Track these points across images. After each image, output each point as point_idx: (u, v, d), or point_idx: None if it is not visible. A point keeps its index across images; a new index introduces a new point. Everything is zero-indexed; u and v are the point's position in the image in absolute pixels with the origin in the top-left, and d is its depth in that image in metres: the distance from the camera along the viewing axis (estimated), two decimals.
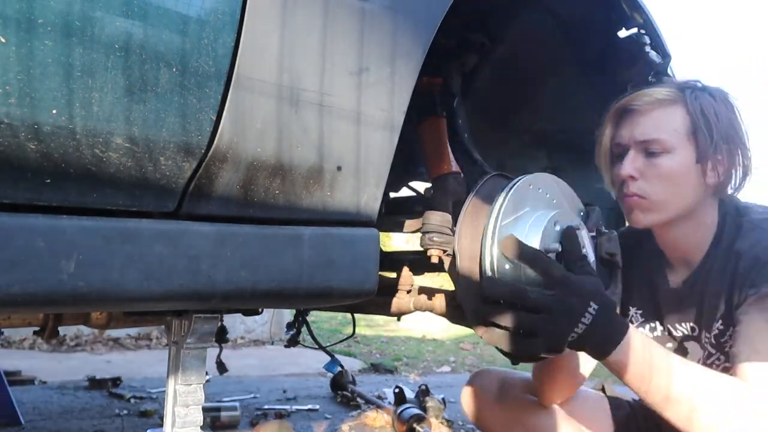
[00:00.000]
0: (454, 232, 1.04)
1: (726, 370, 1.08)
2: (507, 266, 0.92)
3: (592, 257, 0.98)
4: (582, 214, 1.06)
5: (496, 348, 0.97)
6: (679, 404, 0.92)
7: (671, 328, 1.24)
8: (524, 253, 0.89)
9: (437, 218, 1.06)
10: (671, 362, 0.94)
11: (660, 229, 1.19)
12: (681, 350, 1.25)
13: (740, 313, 1.05)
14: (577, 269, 0.90)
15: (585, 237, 0.96)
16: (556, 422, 1.28)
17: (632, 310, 1.32)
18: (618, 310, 0.99)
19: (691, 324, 1.20)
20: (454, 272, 1.00)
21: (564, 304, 0.86)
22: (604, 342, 0.89)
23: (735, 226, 1.13)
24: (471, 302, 0.97)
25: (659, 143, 1.09)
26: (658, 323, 1.27)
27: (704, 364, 1.15)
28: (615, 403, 1.41)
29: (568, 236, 0.93)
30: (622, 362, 0.90)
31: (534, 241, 0.91)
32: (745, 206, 1.18)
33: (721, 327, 1.12)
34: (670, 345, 1.26)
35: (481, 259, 0.92)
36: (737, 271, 1.07)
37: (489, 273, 0.91)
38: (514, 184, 0.95)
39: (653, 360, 0.92)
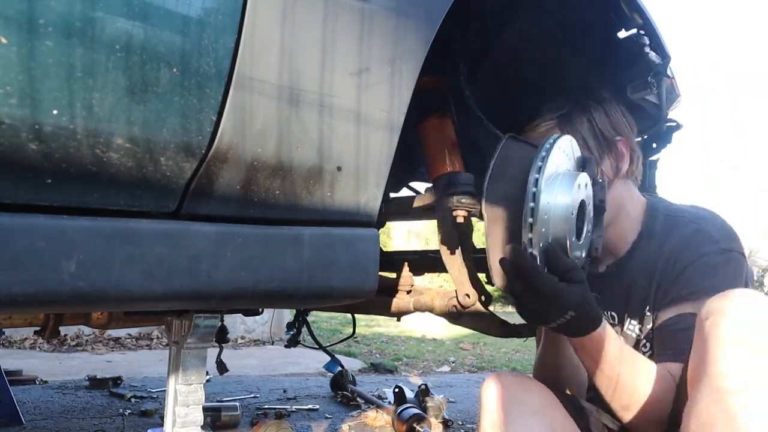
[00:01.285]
0: (477, 194, 1.05)
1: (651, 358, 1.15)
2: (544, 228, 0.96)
3: (591, 205, 1.06)
4: (580, 162, 1.10)
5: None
6: (622, 393, 1.01)
7: None
8: (523, 266, 0.93)
9: (464, 178, 1.06)
10: (624, 352, 1.03)
11: None
12: None
13: (662, 313, 1.11)
14: (568, 277, 0.95)
15: (589, 187, 1.04)
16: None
17: None
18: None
19: (613, 312, 1.25)
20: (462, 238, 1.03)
21: (555, 302, 0.94)
22: (577, 332, 1.00)
23: (669, 221, 1.21)
24: (501, 261, 0.99)
25: None
26: None
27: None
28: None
29: (554, 252, 0.96)
30: (585, 346, 1.01)
31: (564, 200, 0.96)
32: (680, 206, 1.25)
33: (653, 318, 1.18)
34: None
35: (524, 218, 0.95)
36: (672, 264, 1.14)
37: (528, 234, 0.94)
38: (550, 148, 0.99)
39: (610, 350, 1.01)
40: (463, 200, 1.05)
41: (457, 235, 1.14)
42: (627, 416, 1.02)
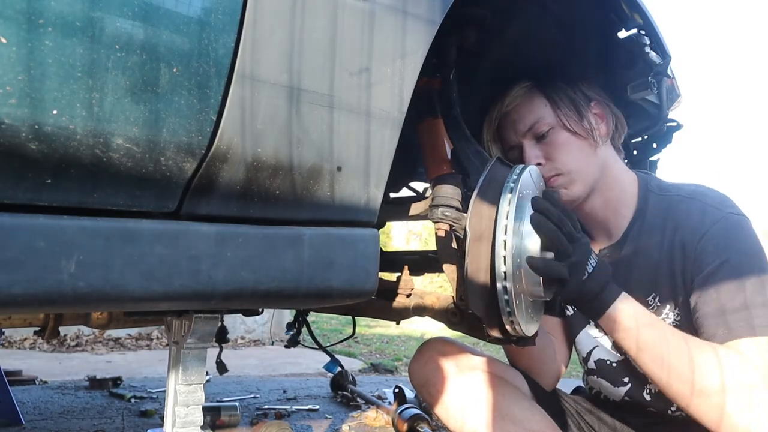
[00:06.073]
0: (463, 209, 1.05)
1: None
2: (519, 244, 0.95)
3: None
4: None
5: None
6: (672, 368, 0.99)
7: None
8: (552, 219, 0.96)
9: (449, 191, 1.04)
10: (662, 326, 1.02)
11: (581, 202, 1.25)
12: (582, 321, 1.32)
13: (698, 291, 1.09)
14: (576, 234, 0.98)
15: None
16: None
17: None
18: None
19: None
20: (459, 250, 1.03)
21: (580, 250, 0.96)
22: (603, 293, 0.99)
23: (664, 201, 1.20)
24: (480, 281, 0.97)
25: (541, 123, 1.21)
26: None
27: None
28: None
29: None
30: (616, 318, 1.00)
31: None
32: (673, 183, 1.24)
33: (661, 301, 1.16)
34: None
35: (494, 237, 0.94)
36: (681, 245, 1.12)
37: (502, 251, 0.93)
38: (519, 175, 0.99)
39: (644, 320, 1.01)
40: (447, 213, 1.03)
41: (450, 241, 1.12)
42: (700, 406, 0.97)
